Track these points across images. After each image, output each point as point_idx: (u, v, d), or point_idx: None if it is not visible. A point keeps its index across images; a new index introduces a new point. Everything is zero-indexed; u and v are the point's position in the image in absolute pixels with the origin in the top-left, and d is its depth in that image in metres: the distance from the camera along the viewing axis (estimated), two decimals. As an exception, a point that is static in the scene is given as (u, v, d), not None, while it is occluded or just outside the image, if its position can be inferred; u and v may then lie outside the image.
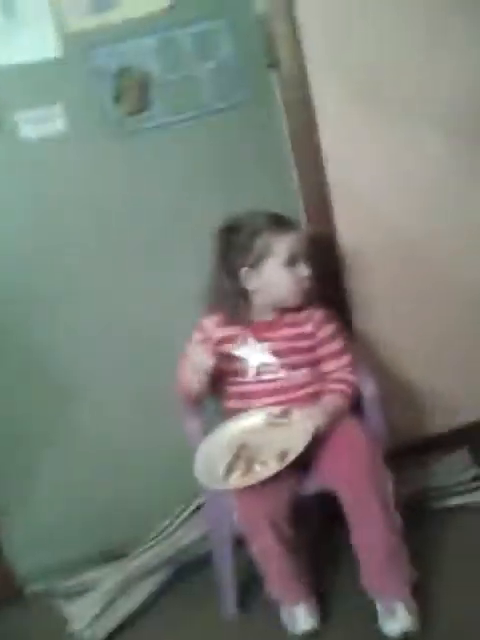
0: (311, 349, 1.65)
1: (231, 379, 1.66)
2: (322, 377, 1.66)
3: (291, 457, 1.43)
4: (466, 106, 1.85)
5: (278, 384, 1.62)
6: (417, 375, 2.03)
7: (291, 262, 1.59)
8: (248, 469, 1.45)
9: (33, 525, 1.91)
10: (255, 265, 1.59)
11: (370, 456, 1.50)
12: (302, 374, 1.63)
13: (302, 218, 1.86)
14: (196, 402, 1.64)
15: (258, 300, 1.63)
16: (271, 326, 1.65)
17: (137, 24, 1.69)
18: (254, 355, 1.64)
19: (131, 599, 1.72)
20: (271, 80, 1.78)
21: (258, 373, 1.63)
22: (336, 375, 1.65)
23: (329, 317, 1.69)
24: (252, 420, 1.59)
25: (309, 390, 1.63)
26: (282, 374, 1.62)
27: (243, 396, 1.65)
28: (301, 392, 1.62)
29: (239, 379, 1.65)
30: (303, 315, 1.66)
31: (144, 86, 1.73)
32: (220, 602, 1.69)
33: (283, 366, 1.62)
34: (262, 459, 1.46)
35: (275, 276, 1.59)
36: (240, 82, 1.76)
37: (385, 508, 1.49)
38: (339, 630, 1.57)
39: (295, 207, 1.85)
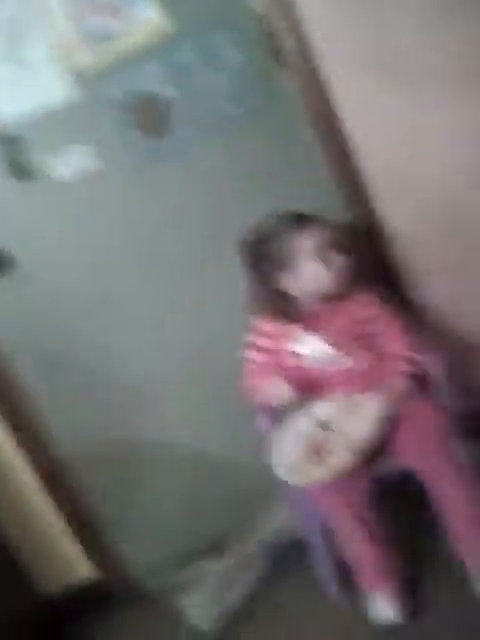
0: (369, 333, 1.68)
1: (297, 373, 1.70)
2: (385, 359, 1.68)
3: (363, 446, 1.50)
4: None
5: (341, 373, 1.66)
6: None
7: (320, 254, 1.62)
8: (321, 461, 1.51)
9: (142, 528, 2.08)
10: (286, 267, 1.64)
11: (438, 429, 1.56)
12: (363, 359, 1.66)
13: (343, 206, 1.86)
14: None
15: (301, 296, 1.67)
16: (322, 317, 1.68)
17: (143, 51, 1.73)
18: (311, 347, 1.68)
19: (239, 588, 1.86)
20: (283, 78, 1.78)
21: (322, 365, 1.68)
22: (399, 355, 1.66)
23: (383, 299, 1.71)
24: (321, 410, 1.64)
25: (373, 374, 1.66)
26: (343, 362, 1.66)
27: (308, 387, 1.69)
28: (365, 377, 1.66)
29: (304, 372, 1.69)
30: (355, 300, 1.69)
31: (163, 109, 1.78)
32: (323, 587, 1.75)
33: (342, 354, 1.66)
34: (335, 450, 1.52)
35: (308, 272, 1.63)
36: (254, 86, 1.78)
37: (460, 473, 1.54)
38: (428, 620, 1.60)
39: (332, 197, 1.86)
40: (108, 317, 1.95)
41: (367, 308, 1.69)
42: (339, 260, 1.64)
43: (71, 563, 2.10)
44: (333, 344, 1.66)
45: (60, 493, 2.06)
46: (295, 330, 1.70)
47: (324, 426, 1.61)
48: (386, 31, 1.74)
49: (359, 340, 1.67)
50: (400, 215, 1.87)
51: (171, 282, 1.94)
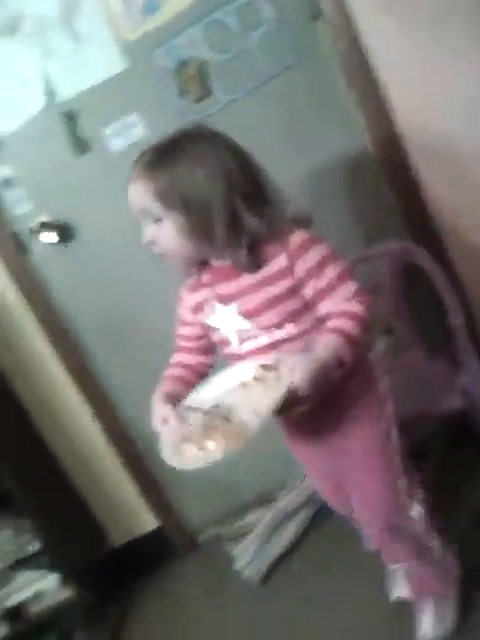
0: (292, 293, 1.25)
1: (221, 347, 1.39)
2: (319, 321, 1.26)
3: (254, 423, 1.13)
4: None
5: (265, 347, 1.29)
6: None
7: (141, 216, 1.30)
8: (202, 445, 1.17)
9: (198, 484, 2.16)
10: None
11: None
12: (287, 331, 1.27)
13: (378, 158, 1.87)
14: None
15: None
16: (226, 276, 1.30)
17: (183, 17, 1.81)
18: (227, 322, 1.32)
19: (283, 537, 1.92)
20: (318, 32, 1.81)
21: (240, 341, 1.32)
22: (336, 310, 1.23)
23: (309, 242, 1.25)
24: (238, 376, 1.28)
25: (303, 341, 1.27)
26: (264, 338, 1.28)
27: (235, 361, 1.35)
28: (296, 344, 1.27)
29: (226, 348, 1.36)
30: (268, 249, 1.26)
31: (203, 73, 1.85)
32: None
33: (261, 328, 1.28)
34: (231, 422, 1.18)
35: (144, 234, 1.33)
36: (289, 43, 1.81)
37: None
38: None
39: (366, 151, 1.87)
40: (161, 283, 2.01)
41: (288, 255, 1.24)
42: (150, 233, 1.29)
43: (136, 517, 2.22)
44: (247, 316, 1.29)
45: (126, 452, 2.17)
46: (209, 298, 1.34)
47: (232, 393, 1.27)
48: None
49: (278, 304, 1.26)
50: (430, 160, 1.85)
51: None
